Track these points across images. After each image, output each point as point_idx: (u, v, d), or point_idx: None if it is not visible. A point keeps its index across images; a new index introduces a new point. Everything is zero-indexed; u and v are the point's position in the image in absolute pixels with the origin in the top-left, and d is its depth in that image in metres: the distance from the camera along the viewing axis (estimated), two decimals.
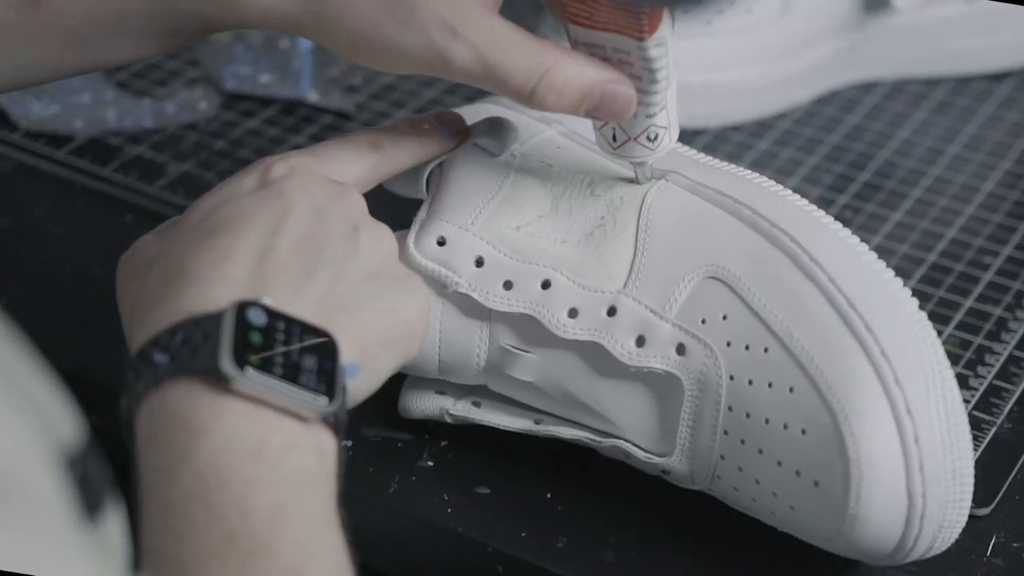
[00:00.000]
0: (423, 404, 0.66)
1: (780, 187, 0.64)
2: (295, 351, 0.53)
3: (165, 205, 0.79)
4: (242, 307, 0.53)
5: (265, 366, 0.52)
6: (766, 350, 0.60)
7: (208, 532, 0.49)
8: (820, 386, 0.58)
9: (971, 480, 0.59)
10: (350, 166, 0.62)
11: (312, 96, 0.86)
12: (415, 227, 0.65)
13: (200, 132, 0.84)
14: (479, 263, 0.64)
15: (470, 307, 0.64)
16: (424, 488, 0.65)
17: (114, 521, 0.38)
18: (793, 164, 0.86)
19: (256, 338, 0.52)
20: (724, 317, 0.61)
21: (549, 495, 0.65)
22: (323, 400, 0.53)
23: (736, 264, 0.61)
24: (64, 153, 0.82)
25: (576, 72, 0.59)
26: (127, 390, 0.53)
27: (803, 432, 0.59)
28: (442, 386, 0.66)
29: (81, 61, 0.64)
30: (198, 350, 0.52)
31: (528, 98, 0.59)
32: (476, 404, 0.66)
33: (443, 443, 0.66)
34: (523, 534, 0.63)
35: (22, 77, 0.64)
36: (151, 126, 0.83)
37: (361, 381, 0.57)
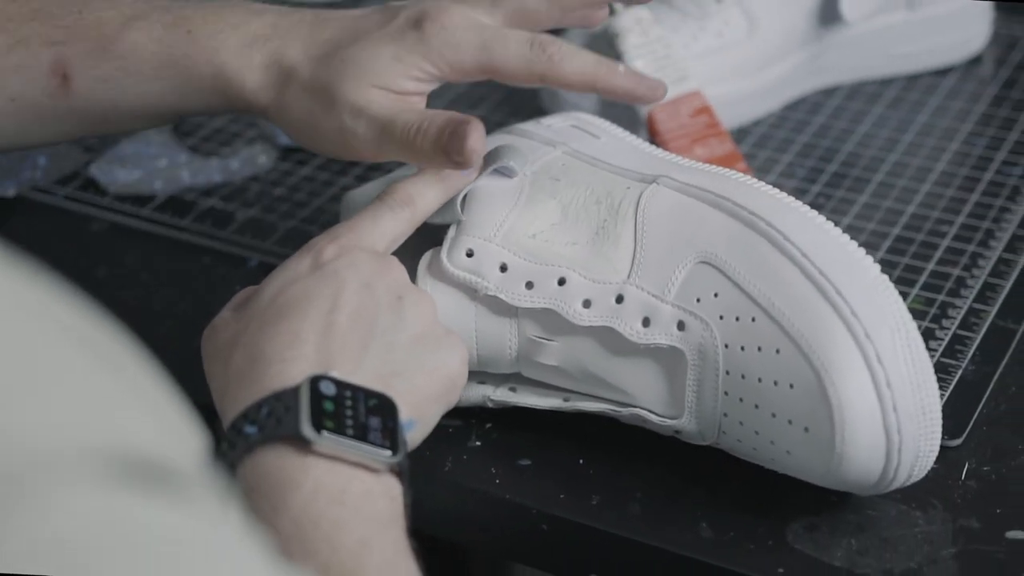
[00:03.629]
0: (468, 393, 0.66)
1: (754, 180, 0.65)
2: (362, 414, 0.55)
3: (237, 246, 0.80)
4: (315, 380, 0.55)
5: (338, 428, 0.54)
6: (753, 320, 0.60)
7: (305, 565, 0.51)
8: (802, 346, 0.59)
9: (939, 414, 0.59)
10: (389, 227, 0.63)
11: None
12: (446, 244, 0.65)
13: (262, 182, 0.85)
14: (503, 269, 0.64)
15: (499, 307, 0.64)
16: (474, 464, 0.65)
17: (238, 517, 0.38)
18: (770, 162, 0.86)
19: (328, 405, 0.54)
20: (716, 295, 0.61)
21: (582, 461, 0.65)
22: (388, 453, 0.55)
23: (722, 249, 0.62)
24: (148, 211, 0.83)
25: (436, 122, 0.63)
26: (224, 457, 0.55)
27: (791, 387, 0.59)
28: (483, 377, 0.67)
29: (98, 131, 0.69)
30: (282, 420, 0.54)
31: (409, 148, 0.64)
32: (513, 389, 0.66)
33: (488, 425, 0.67)
34: (561, 496, 0.63)
35: (49, 141, 0.69)
36: (220, 181, 0.84)
37: (416, 433, 0.59)
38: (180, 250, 0.80)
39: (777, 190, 0.64)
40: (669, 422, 0.63)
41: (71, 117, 0.66)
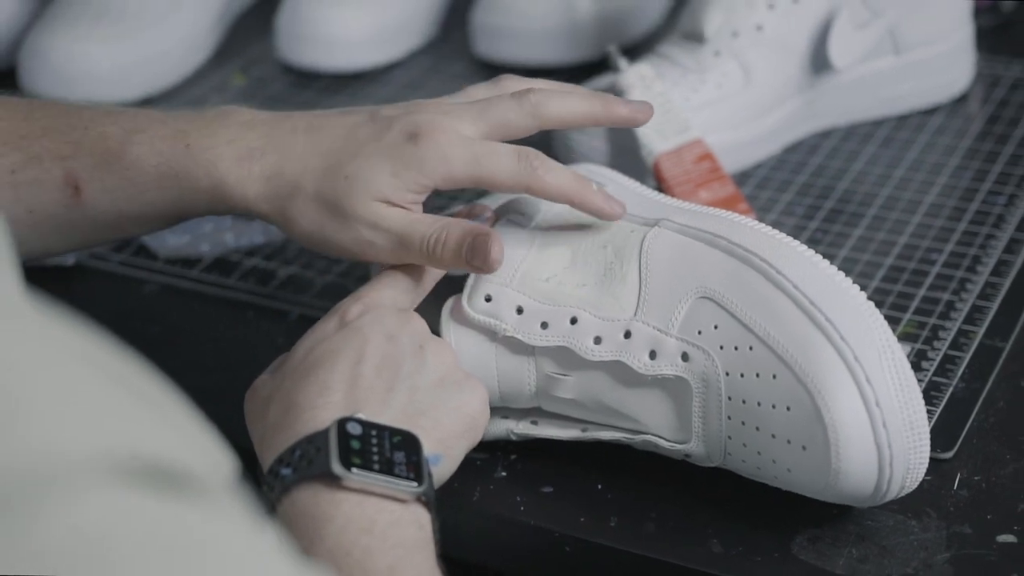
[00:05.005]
0: (493, 428, 0.67)
1: (748, 219, 0.66)
2: (387, 450, 0.56)
3: (279, 301, 0.81)
4: (342, 423, 0.56)
5: (365, 464, 0.55)
6: (751, 348, 0.61)
7: None
8: (796, 371, 0.60)
9: (927, 429, 0.60)
10: (408, 284, 0.65)
11: None
12: (467, 291, 0.67)
13: None
14: (519, 311, 0.66)
15: (517, 346, 0.66)
16: (501, 493, 0.66)
17: (273, 534, 0.39)
18: (771, 202, 0.88)
19: (355, 444, 0.56)
20: (716, 327, 0.62)
21: (600, 486, 0.66)
22: (414, 484, 0.56)
23: (720, 284, 0.63)
24: (196, 272, 0.84)
25: (454, 234, 0.63)
26: (264, 500, 0.56)
27: (788, 409, 0.60)
28: (505, 412, 0.68)
29: (111, 238, 0.69)
30: (313, 461, 0.55)
31: (429, 258, 0.64)
32: (534, 422, 0.68)
33: (512, 457, 0.68)
34: (581, 519, 0.64)
35: (64, 249, 0.70)
36: (262, 241, 0.86)
37: (443, 468, 0.60)
38: (226, 307, 0.81)
39: (770, 228, 0.65)
40: (679, 447, 0.64)
41: (84, 225, 0.66)
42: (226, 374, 0.75)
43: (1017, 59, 1.01)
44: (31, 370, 0.33)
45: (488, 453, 0.68)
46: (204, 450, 0.36)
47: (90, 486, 0.32)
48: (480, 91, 0.68)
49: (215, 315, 0.81)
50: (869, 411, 0.59)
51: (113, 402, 0.35)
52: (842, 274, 0.62)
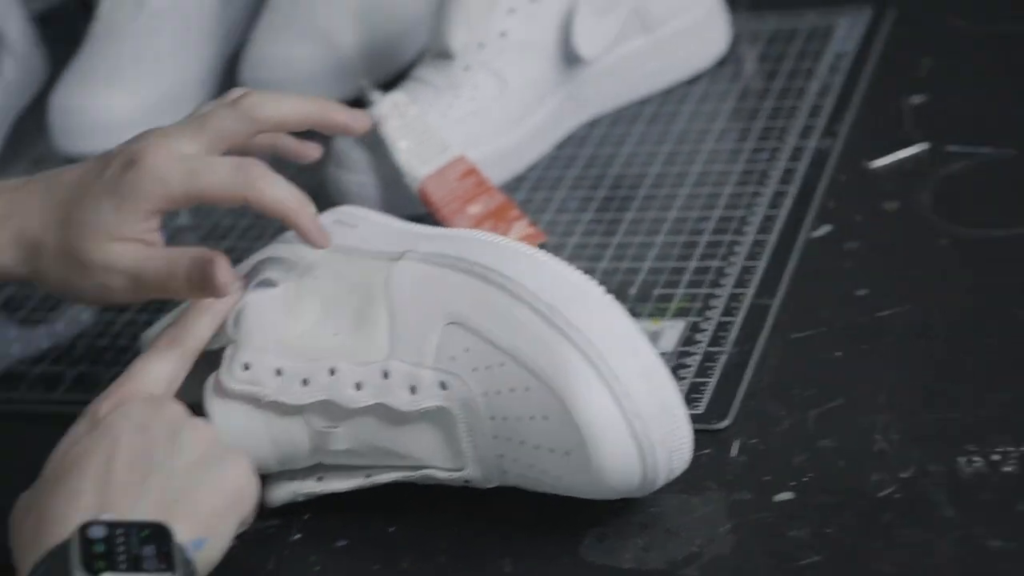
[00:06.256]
0: (278, 492, 0.65)
1: (489, 235, 0.64)
2: (135, 546, 0.53)
3: (69, 405, 0.78)
4: (84, 528, 0.54)
5: (111, 566, 0.52)
6: (502, 365, 0.60)
7: None
8: (544, 379, 0.58)
9: (682, 408, 0.59)
10: (161, 370, 0.63)
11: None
12: (224, 363, 0.64)
13: (87, 336, 0.83)
14: (279, 373, 0.63)
15: (285, 409, 0.63)
16: (295, 557, 0.64)
17: None
18: (546, 202, 0.86)
19: (100, 547, 0.53)
20: (467, 350, 0.61)
21: (392, 529, 0.64)
22: (167, 575, 0.53)
23: (464, 307, 0.61)
24: None
25: (182, 266, 0.63)
26: None
27: (545, 418, 0.58)
28: (290, 473, 0.66)
29: None
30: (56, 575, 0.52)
31: (165, 292, 0.64)
32: (320, 478, 0.65)
33: (306, 516, 0.66)
34: (375, 567, 0.62)
35: None
36: (48, 345, 0.83)
37: (211, 548, 0.57)
38: (15, 421, 0.78)
39: (507, 240, 0.63)
40: (456, 474, 0.62)
41: None
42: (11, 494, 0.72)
43: (772, 12, 1.00)
44: None
45: (282, 518, 0.65)
46: None
47: None
48: (207, 106, 0.69)
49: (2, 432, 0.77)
50: (619, 405, 0.57)
51: None
52: (578, 272, 0.61)
